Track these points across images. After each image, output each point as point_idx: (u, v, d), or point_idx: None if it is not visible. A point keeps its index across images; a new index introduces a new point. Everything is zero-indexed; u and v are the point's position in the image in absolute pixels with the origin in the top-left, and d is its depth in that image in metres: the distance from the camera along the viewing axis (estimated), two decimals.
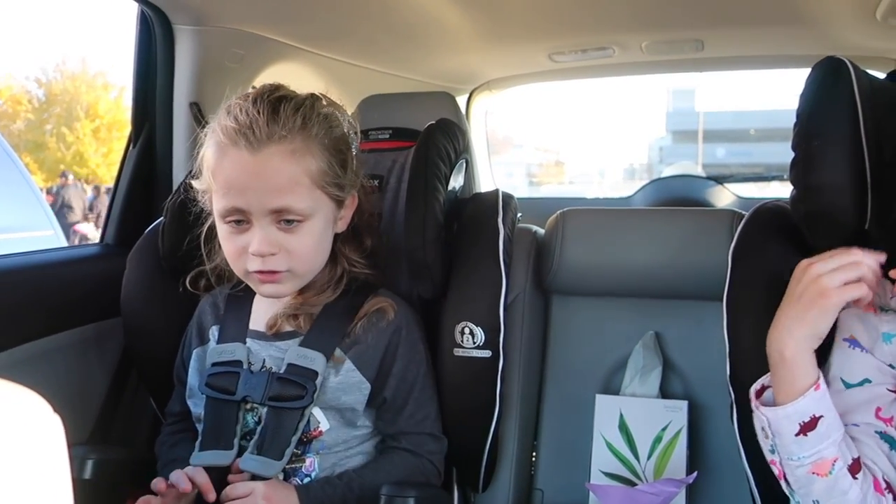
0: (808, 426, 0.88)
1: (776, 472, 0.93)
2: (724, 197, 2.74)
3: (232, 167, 1.06)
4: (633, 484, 1.35)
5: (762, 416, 0.91)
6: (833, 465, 0.88)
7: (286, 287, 1.14)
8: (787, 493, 0.95)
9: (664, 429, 1.38)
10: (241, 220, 1.08)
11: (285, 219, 1.07)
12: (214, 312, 1.24)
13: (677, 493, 1.25)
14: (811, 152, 1.06)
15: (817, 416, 0.88)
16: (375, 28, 1.79)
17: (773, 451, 0.92)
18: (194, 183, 1.16)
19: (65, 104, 18.02)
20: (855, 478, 0.89)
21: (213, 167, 1.08)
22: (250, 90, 1.12)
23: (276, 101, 1.08)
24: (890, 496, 0.90)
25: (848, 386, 0.95)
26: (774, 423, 0.89)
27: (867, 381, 0.94)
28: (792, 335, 0.89)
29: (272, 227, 1.07)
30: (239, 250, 1.09)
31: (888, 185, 0.99)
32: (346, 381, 1.14)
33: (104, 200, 8.34)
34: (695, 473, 1.26)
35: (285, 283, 1.12)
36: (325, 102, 1.15)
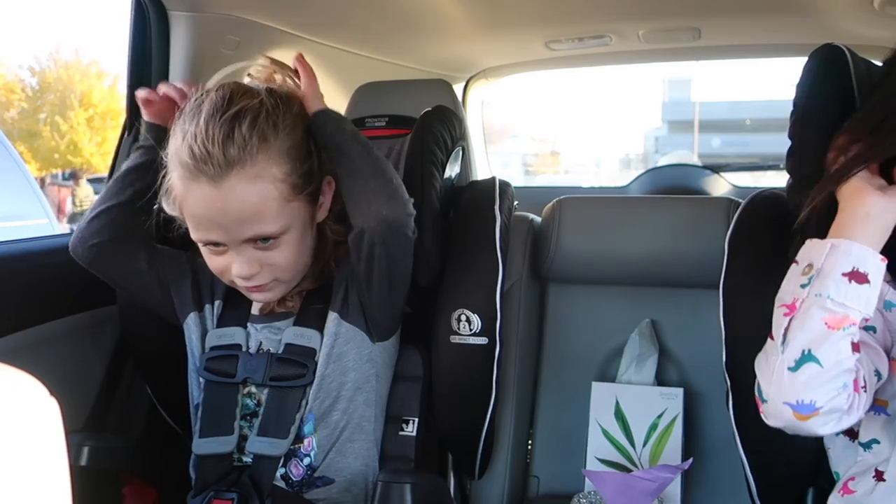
0: (856, 276, 0.85)
1: (781, 314, 0.89)
2: (720, 186, 2.74)
3: (197, 203, 1.03)
4: (628, 471, 1.36)
5: (819, 246, 0.88)
6: (846, 327, 0.86)
7: (276, 293, 1.14)
8: (767, 352, 0.91)
9: (660, 416, 1.39)
10: (217, 244, 1.07)
11: (261, 239, 1.06)
12: (212, 284, 1.23)
13: (673, 479, 1.25)
14: (807, 140, 1.06)
15: (869, 278, 0.86)
16: (371, 15, 1.78)
17: (806, 284, 0.87)
18: (165, 206, 1.12)
19: (58, 93, 17.92)
20: (854, 353, 0.87)
21: (180, 199, 1.06)
22: (204, 94, 1.06)
23: (229, 122, 1.01)
24: (865, 395, 0.89)
25: None
26: (832, 254, 0.86)
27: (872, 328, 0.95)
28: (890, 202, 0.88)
29: (249, 249, 1.06)
30: (221, 268, 1.10)
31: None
32: (337, 333, 1.14)
33: (49, 192, 8.18)
34: (690, 460, 1.27)
35: (274, 290, 1.13)
36: (279, 80, 1.13)
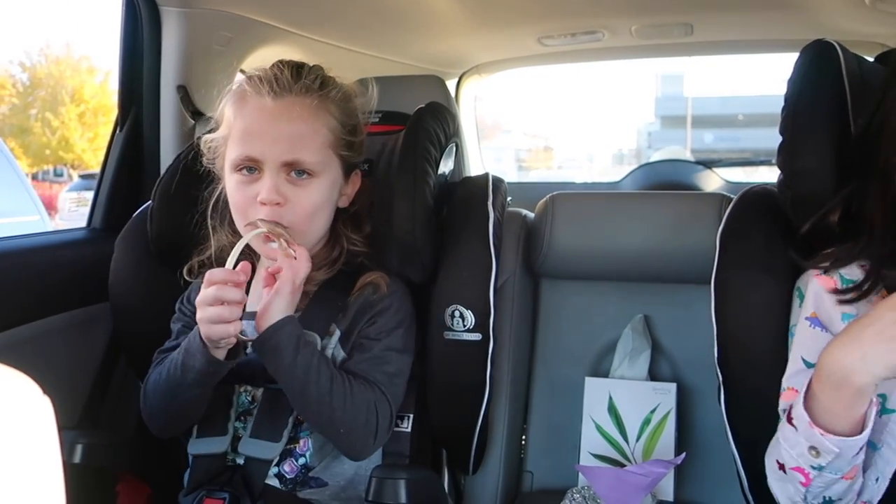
0: (862, 448, 0.86)
1: (801, 479, 0.89)
2: (713, 181, 2.75)
3: (252, 112, 1.10)
4: (622, 465, 1.36)
5: (824, 442, 0.85)
6: (859, 469, 0.89)
7: None
8: (787, 493, 0.93)
9: (653, 411, 1.39)
10: (252, 168, 1.09)
11: (296, 170, 1.09)
12: None
13: (666, 473, 1.26)
14: (798, 136, 1.07)
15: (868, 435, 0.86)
16: (364, 11, 1.78)
17: (819, 469, 0.87)
18: (208, 136, 1.18)
19: (49, 88, 17.82)
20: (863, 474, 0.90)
21: (232, 115, 1.12)
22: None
23: (299, 63, 1.14)
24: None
25: (809, 366, 0.96)
26: (839, 450, 0.84)
27: None
28: (868, 368, 0.82)
29: (282, 177, 1.09)
30: (247, 200, 1.10)
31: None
32: (333, 355, 1.15)
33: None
34: (683, 455, 1.27)
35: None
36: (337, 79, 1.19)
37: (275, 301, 1.05)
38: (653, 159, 3.32)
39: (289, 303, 1.06)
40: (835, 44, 1.08)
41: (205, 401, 1.12)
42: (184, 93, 1.58)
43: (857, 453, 0.86)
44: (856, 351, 0.83)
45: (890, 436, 0.89)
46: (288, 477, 1.14)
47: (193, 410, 1.14)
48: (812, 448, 0.86)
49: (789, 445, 0.89)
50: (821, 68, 1.07)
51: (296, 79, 1.11)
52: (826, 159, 1.04)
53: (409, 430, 1.24)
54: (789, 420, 0.89)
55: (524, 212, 1.51)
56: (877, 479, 0.90)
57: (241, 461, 1.13)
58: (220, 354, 1.06)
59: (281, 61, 1.14)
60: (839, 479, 0.87)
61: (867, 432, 0.84)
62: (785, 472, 0.91)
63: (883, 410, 0.89)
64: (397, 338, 1.17)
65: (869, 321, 0.84)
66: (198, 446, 1.15)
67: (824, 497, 0.90)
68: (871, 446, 0.90)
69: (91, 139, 17.18)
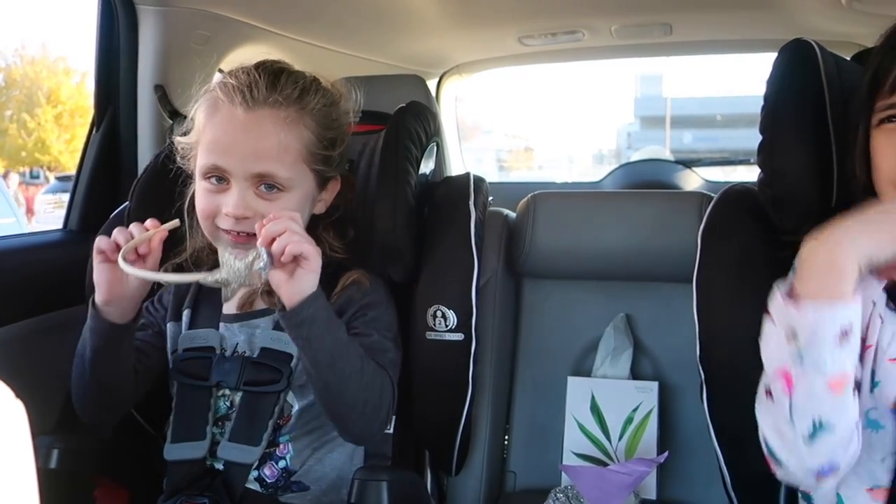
0: (844, 335, 0.80)
1: (780, 386, 0.84)
2: (692, 181, 2.76)
3: (223, 122, 1.06)
4: (604, 465, 1.36)
5: (798, 316, 0.80)
6: (848, 381, 0.82)
7: None
8: (775, 425, 0.87)
9: (635, 410, 1.39)
10: (220, 177, 1.07)
11: (265, 183, 1.06)
12: (183, 295, 1.22)
13: (649, 472, 1.26)
14: (778, 135, 1.07)
15: (854, 325, 0.81)
16: (344, 10, 1.78)
17: (798, 358, 0.81)
18: (180, 139, 1.15)
19: (25, 89, 17.62)
20: (854, 393, 0.84)
21: (203, 122, 1.09)
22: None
23: (278, 70, 1.10)
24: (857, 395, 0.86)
25: None
26: (815, 323, 0.79)
27: None
28: (855, 245, 0.79)
29: (250, 190, 1.06)
30: (213, 209, 1.08)
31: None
32: None
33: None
34: (666, 453, 1.28)
35: None
36: (324, 83, 1.15)
37: (306, 276, 0.98)
38: (633, 159, 3.33)
39: (315, 280, 0.99)
40: (813, 43, 1.08)
41: (113, 375, 1.10)
42: (161, 92, 1.56)
43: (841, 346, 0.80)
44: (842, 234, 0.81)
45: None
46: (269, 481, 1.12)
47: (106, 387, 1.12)
48: (790, 331, 0.82)
49: (769, 344, 0.86)
50: (799, 67, 1.08)
51: (271, 90, 1.06)
52: (805, 158, 1.04)
53: (391, 431, 1.23)
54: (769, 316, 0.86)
55: (505, 211, 1.51)
56: (882, 460, 0.88)
57: (220, 466, 1.12)
58: (112, 314, 1.06)
59: (261, 65, 1.10)
60: (824, 388, 0.81)
61: (846, 303, 0.80)
62: (770, 394, 0.87)
63: None
64: (394, 332, 1.17)
65: (861, 213, 0.82)
66: (173, 452, 1.13)
67: (813, 421, 0.83)
68: (874, 426, 0.88)
69: (68, 141, 17.00)
